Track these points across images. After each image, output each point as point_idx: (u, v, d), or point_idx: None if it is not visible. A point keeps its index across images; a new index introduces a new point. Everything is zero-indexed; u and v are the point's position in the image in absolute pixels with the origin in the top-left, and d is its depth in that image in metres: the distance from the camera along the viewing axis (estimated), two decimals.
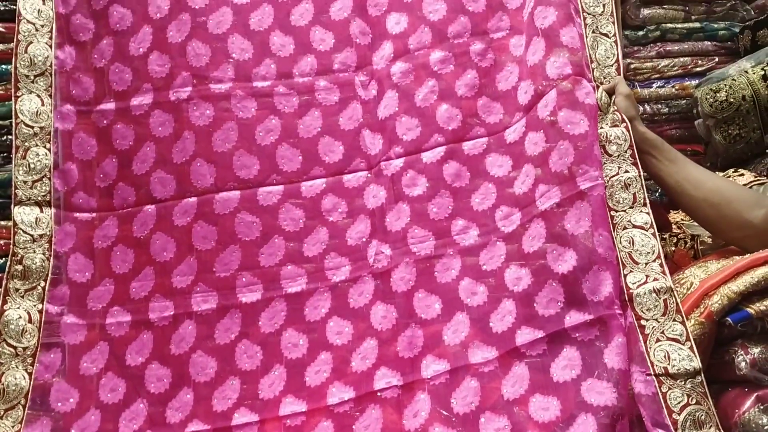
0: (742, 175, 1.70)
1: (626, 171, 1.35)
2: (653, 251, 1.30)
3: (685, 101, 2.12)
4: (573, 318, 1.28)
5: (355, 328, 1.43)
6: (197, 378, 1.42)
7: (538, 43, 1.46)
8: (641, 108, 2.14)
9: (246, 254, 1.50)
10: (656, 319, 1.25)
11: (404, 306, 1.42)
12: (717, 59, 2.19)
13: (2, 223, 2.00)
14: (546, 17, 1.46)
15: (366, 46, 1.61)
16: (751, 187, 1.59)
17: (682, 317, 1.24)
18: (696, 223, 1.53)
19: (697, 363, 1.20)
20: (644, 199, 1.34)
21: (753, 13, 2.16)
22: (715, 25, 2.15)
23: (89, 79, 1.57)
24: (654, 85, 2.17)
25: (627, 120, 1.39)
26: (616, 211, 1.33)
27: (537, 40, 1.46)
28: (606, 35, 1.47)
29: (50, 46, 1.55)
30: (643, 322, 1.25)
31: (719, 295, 1.31)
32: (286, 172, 1.54)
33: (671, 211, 1.71)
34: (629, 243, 1.31)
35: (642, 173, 1.36)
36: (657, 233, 1.33)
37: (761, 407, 1.19)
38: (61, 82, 1.55)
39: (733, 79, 1.87)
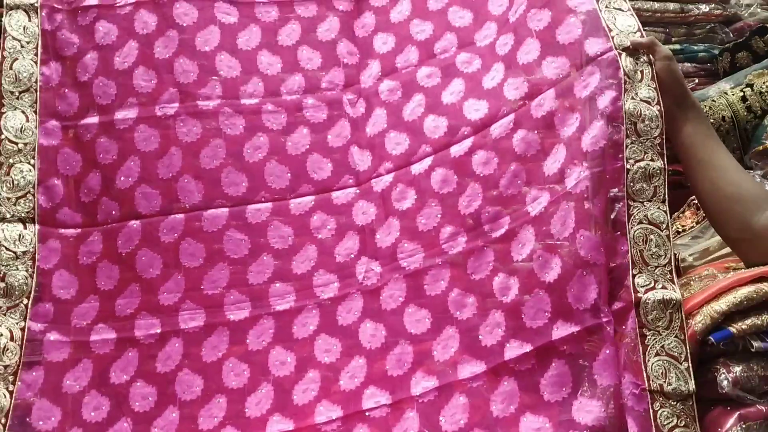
0: None
1: (652, 160, 1.30)
2: (665, 254, 1.26)
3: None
4: (560, 329, 1.28)
5: (344, 345, 1.43)
6: (183, 396, 1.41)
7: (532, 44, 1.46)
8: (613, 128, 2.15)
9: (234, 272, 1.49)
10: (659, 332, 1.22)
11: (393, 323, 1.42)
12: (697, 81, 2.22)
13: None
14: (541, 19, 1.46)
15: (354, 66, 1.63)
16: None
17: (685, 336, 1.22)
18: (677, 242, 1.54)
19: (692, 386, 1.19)
20: (665, 195, 1.29)
21: (732, 35, 2.20)
22: (695, 48, 2.19)
23: (74, 93, 1.57)
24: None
25: (673, 96, 1.33)
26: (634, 201, 1.29)
27: (531, 41, 1.46)
28: (620, 9, 1.44)
29: (35, 63, 1.55)
30: (645, 331, 1.22)
31: (702, 315, 1.32)
32: (274, 189, 1.55)
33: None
34: (643, 240, 1.27)
35: (667, 167, 1.30)
36: (671, 236, 1.28)
37: (743, 426, 1.20)
38: (46, 97, 1.54)
39: (713, 101, 1.91)
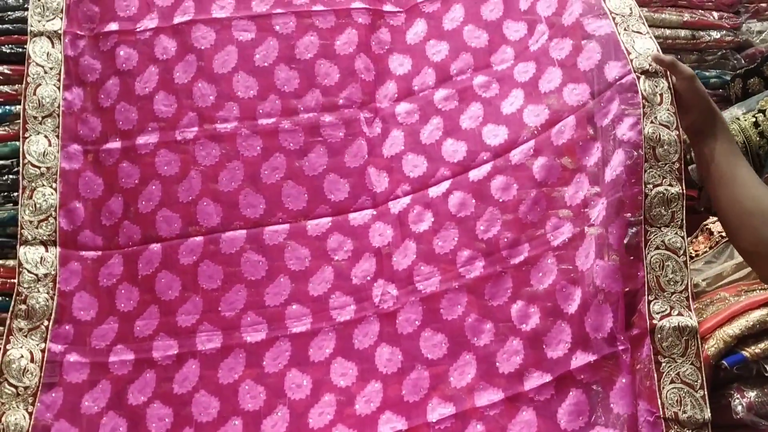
0: None
1: (670, 185, 1.29)
2: (682, 281, 1.25)
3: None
4: (579, 359, 1.29)
5: (360, 369, 1.43)
6: (199, 418, 1.42)
7: (555, 72, 1.46)
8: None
9: (251, 294, 1.50)
10: (674, 359, 1.22)
11: (410, 348, 1.42)
12: None
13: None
14: (563, 48, 1.46)
15: (370, 83, 1.62)
16: None
17: (701, 363, 1.21)
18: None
19: (707, 414, 1.18)
20: (682, 220, 1.28)
21: (743, 61, 2.20)
22: (707, 74, 2.19)
23: (96, 119, 1.60)
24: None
25: (691, 120, 1.32)
26: (651, 226, 1.28)
27: (553, 69, 1.47)
28: (639, 32, 1.42)
29: (58, 88, 1.58)
30: (660, 359, 1.22)
31: (715, 339, 1.33)
32: (291, 210, 1.55)
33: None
34: (659, 266, 1.26)
35: (685, 191, 1.30)
36: (689, 262, 1.27)
37: None
38: (68, 122, 1.57)
39: None
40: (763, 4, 1.82)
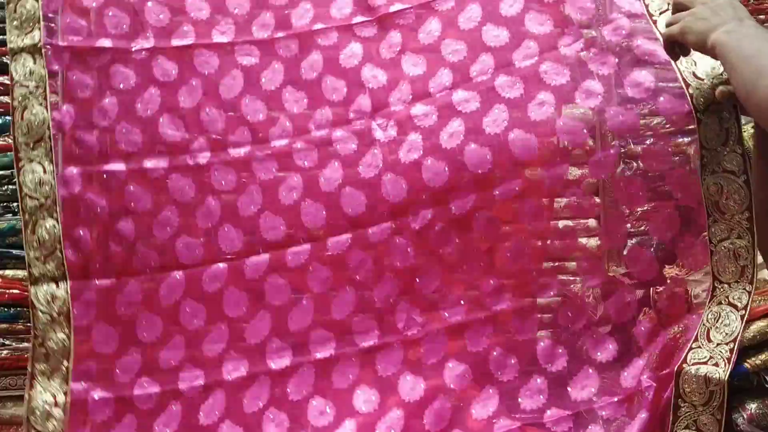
0: None
1: (738, 237, 1.26)
2: (732, 334, 1.25)
3: (677, 158, 2.18)
4: (603, 400, 1.35)
5: (382, 397, 1.46)
6: None
7: (593, 85, 1.44)
8: (633, 164, 2.17)
9: (275, 319, 1.50)
10: (694, 405, 1.23)
11: (434, 378, 1.45)
12: None
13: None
14: (605, 63, 1.43)
15: (381, 89, 1.56)
16: None
17: (722, 416, 1.22)
18: (692, 277, 1.59)
19: None
20: (752, 275, 1.26)
21: None
22: None
23: (91, 137, 1.52)
24: (647, 142, 2.21)
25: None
26: (720, 282, 1.28)
27: (593, 83, 1.44)
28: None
29: (46, 108, 1.50)
30: (680, 402, 1.24)
31: None
32: (311, 229, 1.53)
33: (666, 265, 1.76)
34: (715, 319, 1.27)
35: (756, 242, 1.25)
36: (745, 316, 1.25)
37: None
38: (60, 144, 1.50)
39: None
40: (762, 16, 1.83)
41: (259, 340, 1.50)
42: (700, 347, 1.25)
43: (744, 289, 1.25)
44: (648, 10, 1.43)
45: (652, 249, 1.59)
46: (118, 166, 1.53)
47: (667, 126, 1.38)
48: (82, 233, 1.49)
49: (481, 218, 1.48)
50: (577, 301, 1.42)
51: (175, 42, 1.56)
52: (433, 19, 1.58)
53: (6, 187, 1.71)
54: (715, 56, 1.15)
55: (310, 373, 1.49)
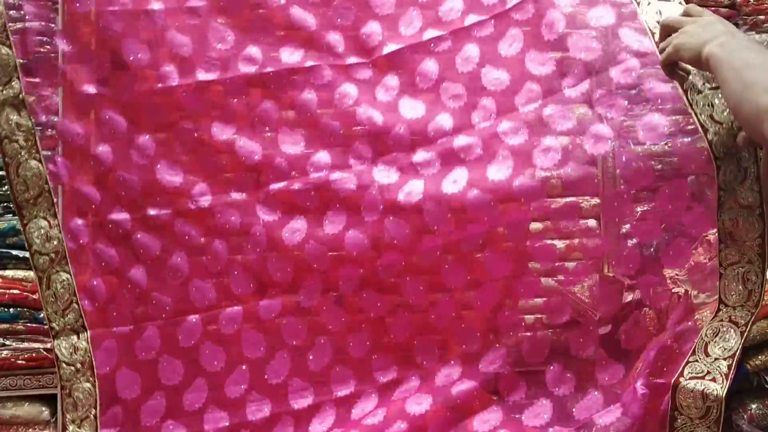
0: None
1: (749, 261, 1.24)
2: (731, 349, 1.22)
3: (677, 158, 2.19)
4: (605, 417, 1.35)
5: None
6: None
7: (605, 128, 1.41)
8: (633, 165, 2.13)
9: (295, 358, 1.52)
10: (691, 418, 1.21)
11: (459, 409, 1.45)
12: None
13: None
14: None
15: (378, 131, 1.51)
16: None
17: (719, 428, 1.19)
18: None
19: None
20: (759, 299, 1.23)
21: None
22: None
23: (91, 188, 1.50)
24: (647, 143, 2.22)
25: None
26: (726, 306, 1.26)
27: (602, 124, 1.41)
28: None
29: (40, 161, 1.47)
30: (676, 414, 1.22)
31: None
32: (318, 269, 1.52)
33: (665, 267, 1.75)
34: (714, 334, 1.25)
35: None
36: (746, 333, 1.23)
37: None
38: (61, 196, 1.49)
39: None
40: (761, 17, 1.82)
41: (280, 379, 1.52)
42: (697, 361, 1.23)
43: (749, 311, 1.24)
44: (658, 48, 1.32)
45: (652, 250, 1.61)
46: (123, 216, 1.52)
47: (683, 170, 1.35)
48: (95, 283, 1.50)
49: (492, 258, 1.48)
50: (589, 326, 1.43)
51: (161, 85, 1.52)
52: (431, 59, 1.52)
53: (6, 187, 1.71)
54: (709, 69, 1.14)
55: (332, 411, 1.50)
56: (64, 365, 1.46)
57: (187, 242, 1.52)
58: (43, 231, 1.47)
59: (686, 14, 1.23)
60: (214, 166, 1.53)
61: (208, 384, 1.51)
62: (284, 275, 1.53)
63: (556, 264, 1.50)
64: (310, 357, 1.52)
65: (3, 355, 1.98)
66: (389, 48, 1.52)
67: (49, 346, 1.92)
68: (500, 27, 1.48)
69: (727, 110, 1.24)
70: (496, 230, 1.47)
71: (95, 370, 1.47)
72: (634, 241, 1.44)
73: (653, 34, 1.33)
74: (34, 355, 1.98)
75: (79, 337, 1.47)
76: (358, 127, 1.52)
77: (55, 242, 1.47)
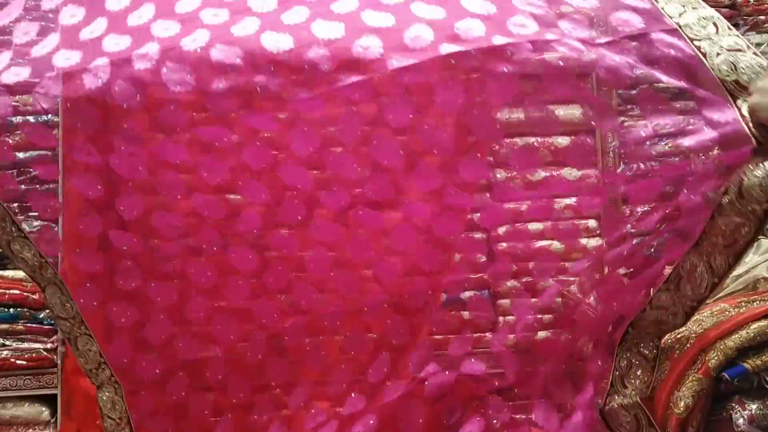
0: None
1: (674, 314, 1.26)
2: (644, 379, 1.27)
3: (677, 159, 2.19)
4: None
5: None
6: None
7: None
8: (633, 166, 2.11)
9: (315, 384, 1.56)
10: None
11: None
12: None
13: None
14: None
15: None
16: None
17: (656, 429, 1.26)
18: None
19: None
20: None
21: None
22: None
23: (89, 250, 1.50)
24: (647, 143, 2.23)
25: None
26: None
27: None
28: None
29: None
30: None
31: (716, 351, 1.39)
32: (339, 290, 1.55)
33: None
34: (627, 366, 1.29)
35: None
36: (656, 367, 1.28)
37: None
38: (63, 267, 1.49)
39: None
40: (762, 17, 1.82)
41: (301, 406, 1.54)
42: (616, 394, 1.29)
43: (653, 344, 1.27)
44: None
45: (652, 250, 1.61)
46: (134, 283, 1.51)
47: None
48: (118, 341, 1.49)
49: None
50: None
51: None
52: None
53: None
54: None
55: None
56: (106, 417, 1.47)
57: (202, 285, 1.53)
58: (57, 299, 1.44)
59: None
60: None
61: (233, 415, 1.54)
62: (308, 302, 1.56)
63: (556, 264, 1.53)
64: (330, 380, 1.56)
65: (3, 355, 1.97)
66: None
67: (49, 346, 1.92)
68: None
69: None
70: None
71: (132, 424, 1.47)
72: (634, 241, 1.44)
73: None
74: (34, 355, 1.96)
75: (116, 393, 1.46)
76: None
77: (70, 308, 1.44)
